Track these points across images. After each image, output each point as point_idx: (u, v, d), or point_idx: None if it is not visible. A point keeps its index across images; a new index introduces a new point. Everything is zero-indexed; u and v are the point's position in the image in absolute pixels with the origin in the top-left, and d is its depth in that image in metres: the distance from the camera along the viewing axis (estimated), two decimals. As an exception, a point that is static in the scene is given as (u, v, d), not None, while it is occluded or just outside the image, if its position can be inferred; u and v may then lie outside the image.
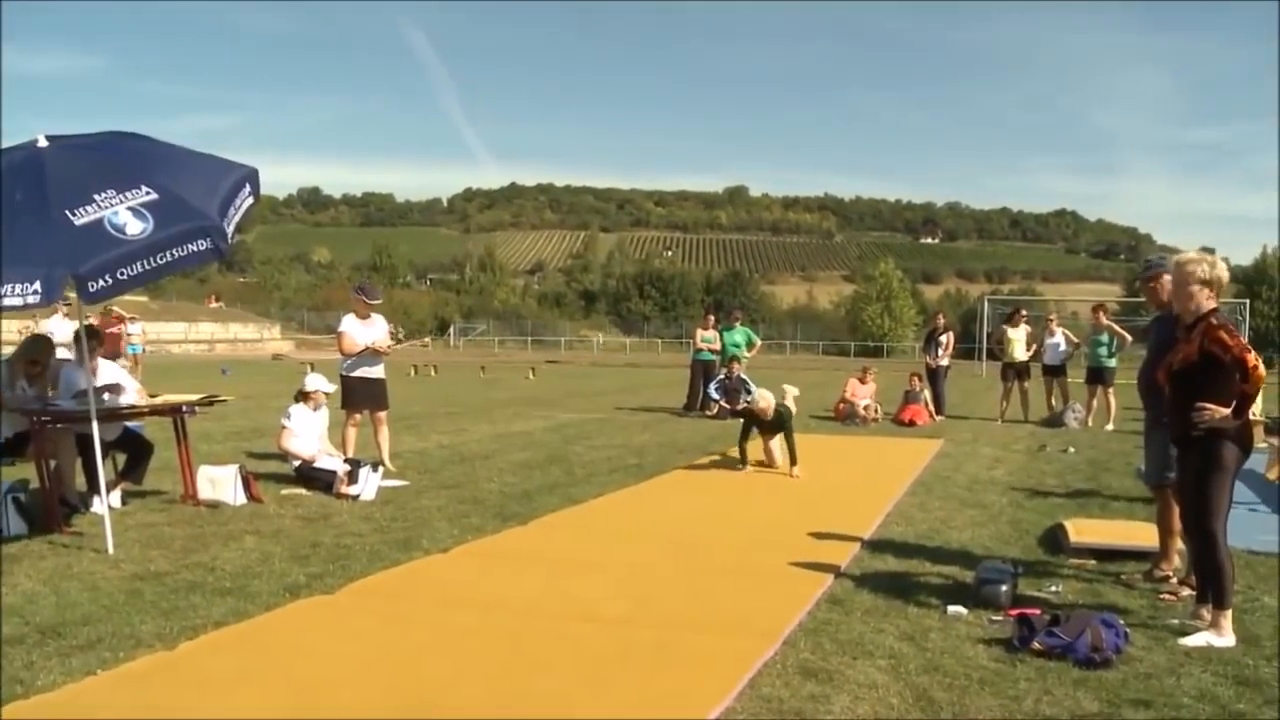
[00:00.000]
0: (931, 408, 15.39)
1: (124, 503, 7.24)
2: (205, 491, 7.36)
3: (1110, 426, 13.95)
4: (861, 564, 5.78)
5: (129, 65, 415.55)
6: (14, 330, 19.24)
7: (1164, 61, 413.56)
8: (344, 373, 9.17)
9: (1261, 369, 4.37)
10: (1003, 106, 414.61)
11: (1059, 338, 15.49)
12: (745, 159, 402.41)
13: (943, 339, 16.36)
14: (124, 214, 5.57)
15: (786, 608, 4.73)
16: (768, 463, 9.64)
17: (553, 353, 59.30)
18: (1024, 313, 16.43)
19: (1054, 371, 15.39)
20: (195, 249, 5.75)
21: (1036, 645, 4.10)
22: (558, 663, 3.99)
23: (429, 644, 4.23)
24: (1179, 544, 5.31)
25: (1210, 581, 4.49)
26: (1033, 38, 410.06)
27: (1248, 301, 39.23)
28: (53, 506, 6.45)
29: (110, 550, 5.75)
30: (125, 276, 5.48)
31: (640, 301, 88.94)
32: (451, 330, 74.54)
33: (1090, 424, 14.32)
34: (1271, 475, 8.64)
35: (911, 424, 14.47)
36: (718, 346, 15.91)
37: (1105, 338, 14.35)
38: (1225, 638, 4.33)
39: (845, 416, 14.92)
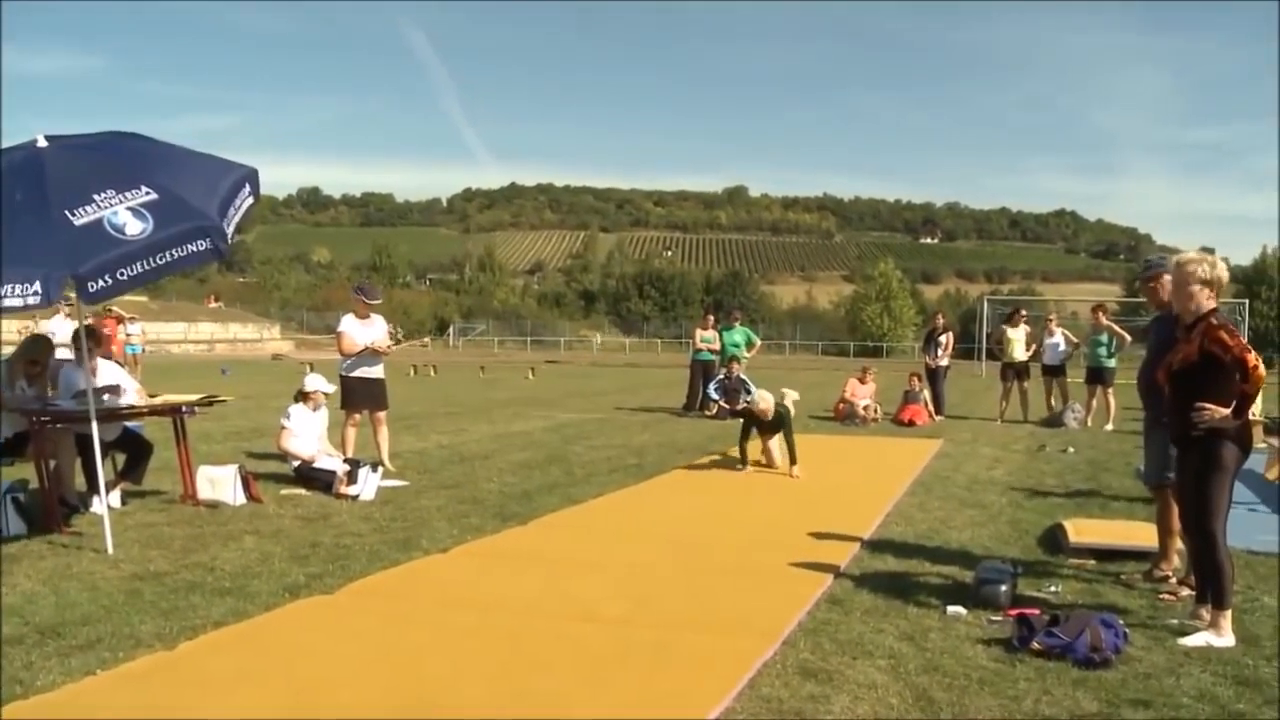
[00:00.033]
0: (931, 408, 15.39)
1: (123, 503, 7.24)
2: (205, 491, 7.36)
3: (1110, 426, 13.96)
4: (861, 564, 5.78)
5: (129, 65, 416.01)
6: (14, 330, 19.25)
7: (1164, 61, 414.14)
8: (343, 373, 9.17)
9: (1262, 369, 4.37)
10: (1003, 106, 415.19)
11: (1058, 338, 15.50)
12: (745, 159, 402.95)
13: (942, 339, 16.36)
14: (124, 214, 5.57)
15: (786, 608, 4.73)
16: (767, 463, 9.64)
17: (552, 353, 59.31)
18: (1023, 313, 16.44)
19: (1053, 371, 15.40)
20: (195, 249, 5.74)
21: (1036, 645, 4.10)
22: (557, 663, 3.99)
23: (428, 644, 4.23)
24: (1178, 544, 5.31)
25: (1210, 581, 4.49)
26: (1033, 38, 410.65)
27: (1247, 301, 39.17)
28: (52, 506, 6.45)
29: (110, 550, 5.76)
30: (125, 277, 5.48)
31: (640, 301, 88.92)
32: (451, 330, 74.50)
33: (1090, 424, 14.33)
34: (1271, 475, 8.65)
35: (911, 424, 14.47)
36: (717, 346, 15.91)
37: (1105, 338, 14.36)
38: (1225, 638, 4.33)
39: (845, 416, 14.92)
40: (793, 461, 9.25)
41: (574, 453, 10.88)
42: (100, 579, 5.21)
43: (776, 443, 9.66)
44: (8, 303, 5.16)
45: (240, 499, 7.36)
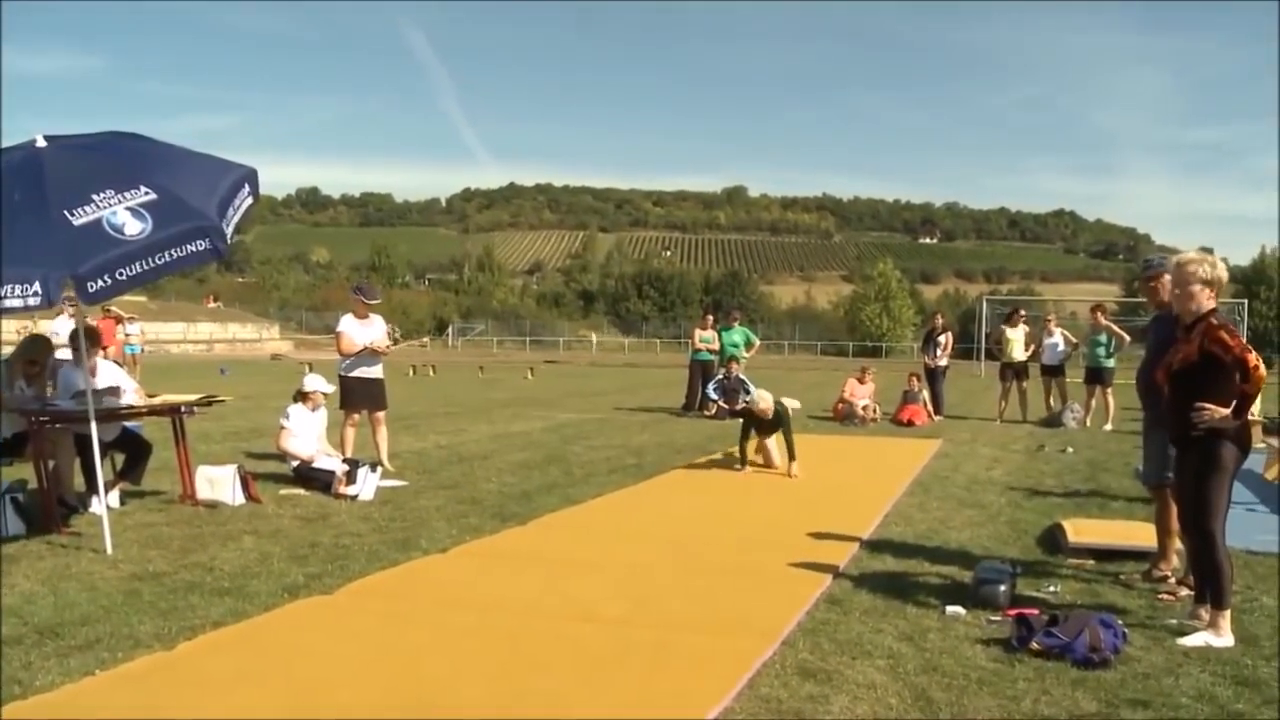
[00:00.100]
0: (930, 408, 15.39)
1: (122, 503, 7.24)
2: (204, 491, 7.36)
3: (1109, 426, 13.96)
4: (860, 564, 5.78)
5: (129, 65, 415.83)
6: (13, 330, 19.23)
7: (1164, 61, 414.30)
8: (342, 373, 9.17)
9: (1262, 369, 4.38)
10: (1002, 106, 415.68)
11: (1057, 338, 15.51)
12: (744, 159, 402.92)
13: (941, 339, 16.36)
14: (123, 214, 5.57)
15: (785, 608, 4.73)
16: (765, 463, 9.64)
17: (551, 353, 59.31)
18: (1023, 313, 16.44)
19: (1052, 371, 15.41)
20: (194, 249, 5.74)
21: (1035, 645, 4.11)
22: (556, 663, 3.99)
23: (427, 644, 4.23)
24: (1177, 544, 5.31)
25: (1209, 581, 4.49)
26: (1033, 38, 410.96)
27: (1246, 301, 39.19)
28: (51, 507, 6.45)
29: (109, 550, 5.75)
30: (124, 277, 5.47)
31: (639, 302, 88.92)
32: (450, 330, 74.49)
33: (1089, 424, 14.33)
34: (1270, 475, 8.66)
35: (910, 424, 14.48)
36: (716, 347, 15.92)
37: (1104, 338, 14.37)
38: (1224, 638, 4.33)
39: (844, 417, 14.92)
40: (791, 458, 9.25)
41: (573, 453, 10.88)
42: (99, 579, 5.21)
43: (775, 442, 9.66)
44: (8, 303, 5.17)
45: (239, 499, 7.36)
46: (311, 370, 10.95)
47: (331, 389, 8.77)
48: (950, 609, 4.75)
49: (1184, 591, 5.04)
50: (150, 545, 6.04)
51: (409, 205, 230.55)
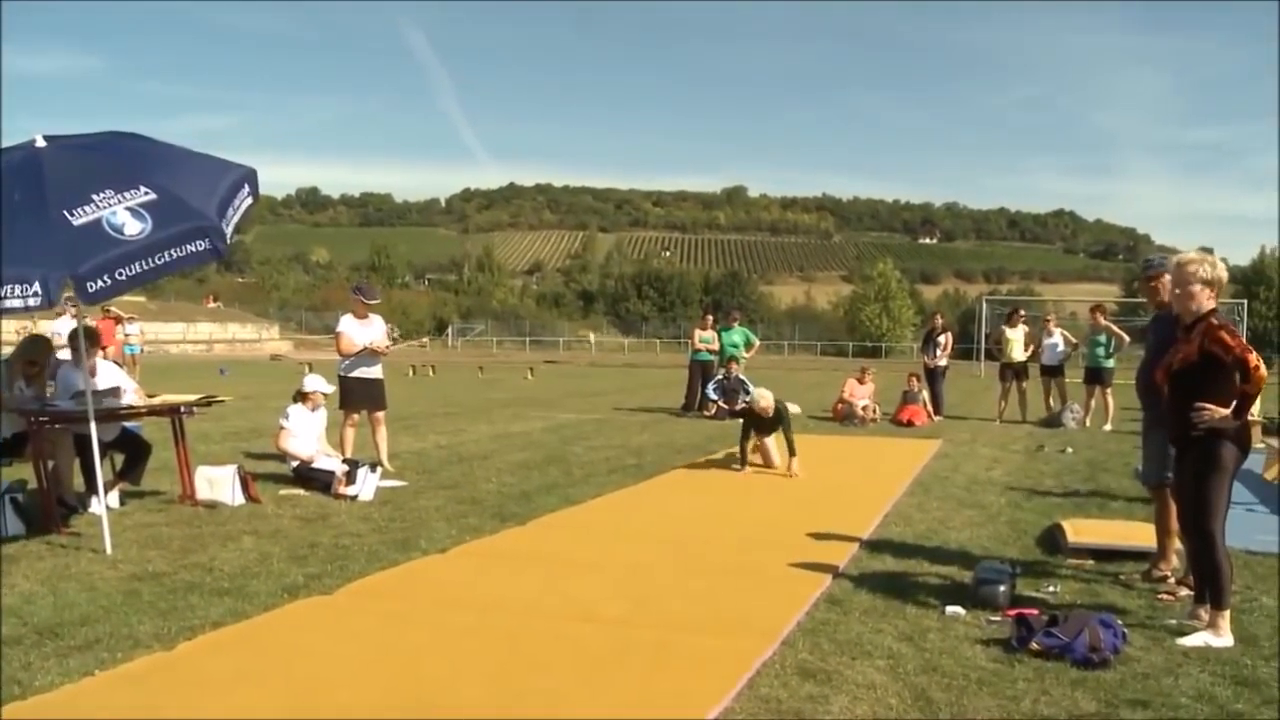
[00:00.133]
0: (930, 408, 15.39)
1: (122, 503, 7.23)
2: (203, 492, 7.36)
3: (1108, 427, 13.96)
4: (860, 564, 5.78)
5: (129, 65, 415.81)
6: (13, 331, 19.23)
7: (1164, 61, 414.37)
8: (342, 373, 9.17)
9: (1263, 369, 4.38)
10: (1002, 106, 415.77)
11: (1057, 338, 15.52)
12: (744, 159, 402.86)
13: (941, 339, 16.36)
14: (122, 214, 5.57)
15: (785, 608, 4.73)
16: (764, 463, 9.64)
17: (551, 353, 59.31)
18: (1022, 313, 16.44)
19: (1052, 372, 15.41)
20: (194, 249, 5.74)
21: (1034, 645, 4.11)
22: (556, 663, 3.99)
23: (427, 644, 4.23)
24: (1177, 544, 5.31)
25: (1208, 582, 4.49)
26: (1033, 38, 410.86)
27: (1245, 302, 39.20)
28: (50, 507, 6.45)
29: (108, 551, 5.75)
30: (124, 277, 5.47)
31: (638, 302, 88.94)
32: (450, 330, 74.51)
33: (1088, 424, 14.33)
34: (1270, 475, 8.66)
35: (910, 424, 14.48)
36: (716, 347, 15.92)
37: (1103, 338, 14.37)
38: (1223, 638, 4.33)
39: (843, 417, 14.92)
40: (791, 454, 9.27)
41: (573, 453, 10.88)
42: (99, 579, 5.21)
43: (774, 442, 9.66)
44: (9, 304, 5.17)
45: (239, 499, 7.36)
46: (311, 370, 10.95)
47: (331, 389, 8.76)
48: (950, 609, 4.75)
49: (1183, 592, 5.04)
50: (150, 545, 6.04)
51: (409, 205, 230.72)
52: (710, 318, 16.79)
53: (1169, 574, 5.38)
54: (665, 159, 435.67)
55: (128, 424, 7.59)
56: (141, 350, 25.43)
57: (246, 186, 6.26)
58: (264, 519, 6.91)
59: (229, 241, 6.01)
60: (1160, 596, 5.11)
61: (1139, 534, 6.13)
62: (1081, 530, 6.33)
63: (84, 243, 5.41)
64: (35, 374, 7.01)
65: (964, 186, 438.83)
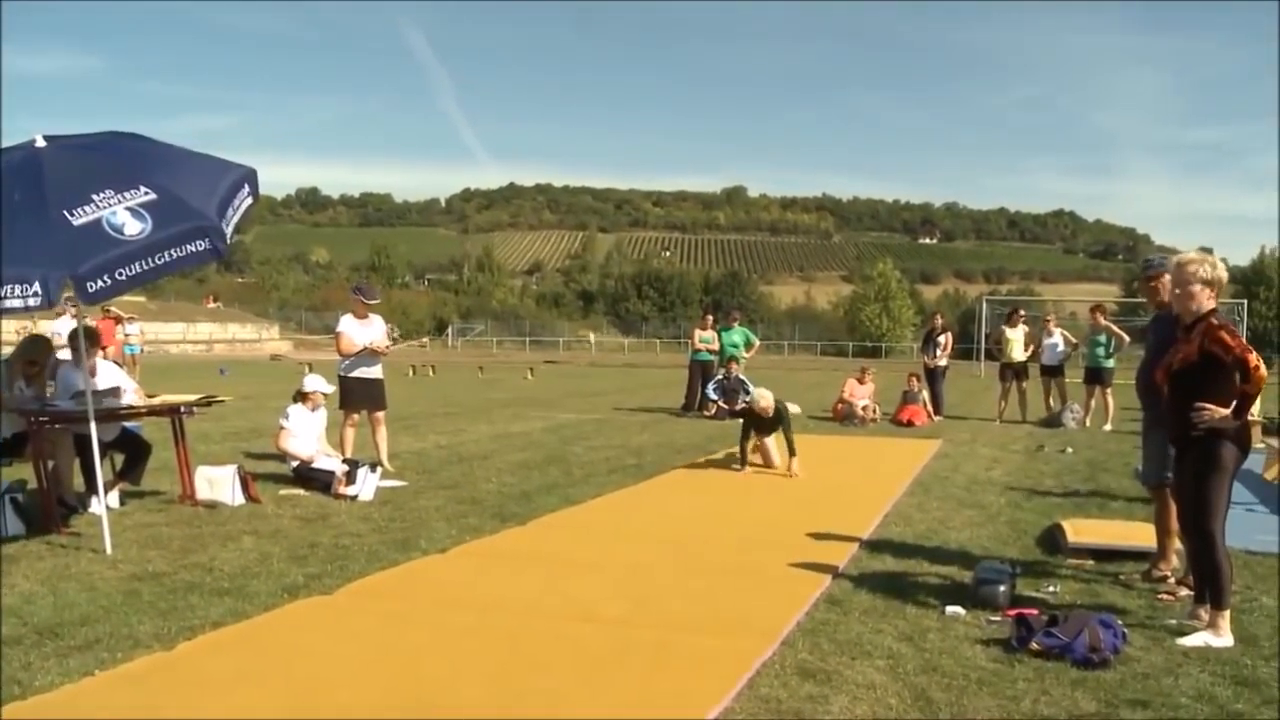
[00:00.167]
0: (930, 408, 15.40)
1: (122, 503, 7.23)
2: (203, 492, 7.36)
3: (1108, 427, 13.96)
4: (860, 564, 5.78)
5: (129, 65, 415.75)
6: (13, 331, 19.23)
7: (1164, 61, 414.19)
8: (342, 373, 9.17)
9: (1263, 369, 4.37)
10: (1002, 106, 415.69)
11: (1057, 338, 15.52)
12: (744, 159, 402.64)
13: (941, 339, 16.36)
14: (122, 214, 5.57)
15: (785, 608, 4.73)
16: (764, 463, 9.64)
17: (551, 353, 59.32)
18: (1022, 313, 16.44)
19: (1052, 372, 15.41)
20: (194, 249, 5.74)
21: (1034, 645, 4.11)
22: (556, 663, 3.99)
23: (427, 644, 4.23)
24: (1177, 544, 5.31)
25: (1208, 582, 4.49)
26: (1033, 38, 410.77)
27: (1245, 302, 39.20)
28: (50, 507, 6.45)
29: (108, 551, 5.75)
30: (124, 277, 5.47)
31: (638, 302, 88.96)
32: (449, 330, 74.53)
33: (1088, 424, 14.33)
34: (1270, 475, 8.66)
35: (910, 424, 14.48)
36: (716, 347, 15.92)
37: (1103, 338, 14.37)
38: (1223, 638, 4.33)
39: (843, 417, 14.92)
40: (791, 454, 9.27)
41: (573, 453, 10.88)
42: (99, 579, 5.21)
43: (774, 442, 9.67)
44: (9, 304, 5.17)
45: (239, 499, 7.36)
46: (311, 370, 10.95)
47: (331, 389, 8.77)
48: (950, 609, 4.75)
49: (1183, 592, 5.03)
50: (150, 545, 6.04)
51: (408, 205, 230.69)
52: (710, 318, 16.79)
53: (1169, 574, 5.38)
54: (665, 159, 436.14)
55: (128, 424, 7.59)
56: (141, 350, 25.43)
57: (246, 186, 6.26)
58: (264, 519, 6.91)
59: (229, 241, 6.01)
60: (1160, 596, 5.11)
61: (1139, 534, 6.13)
62: (1081, 530, 6.33)
63: (84, 243, 5.41)
64: (35, 374, 7.02)
65: (964, 186, 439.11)
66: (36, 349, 7.26)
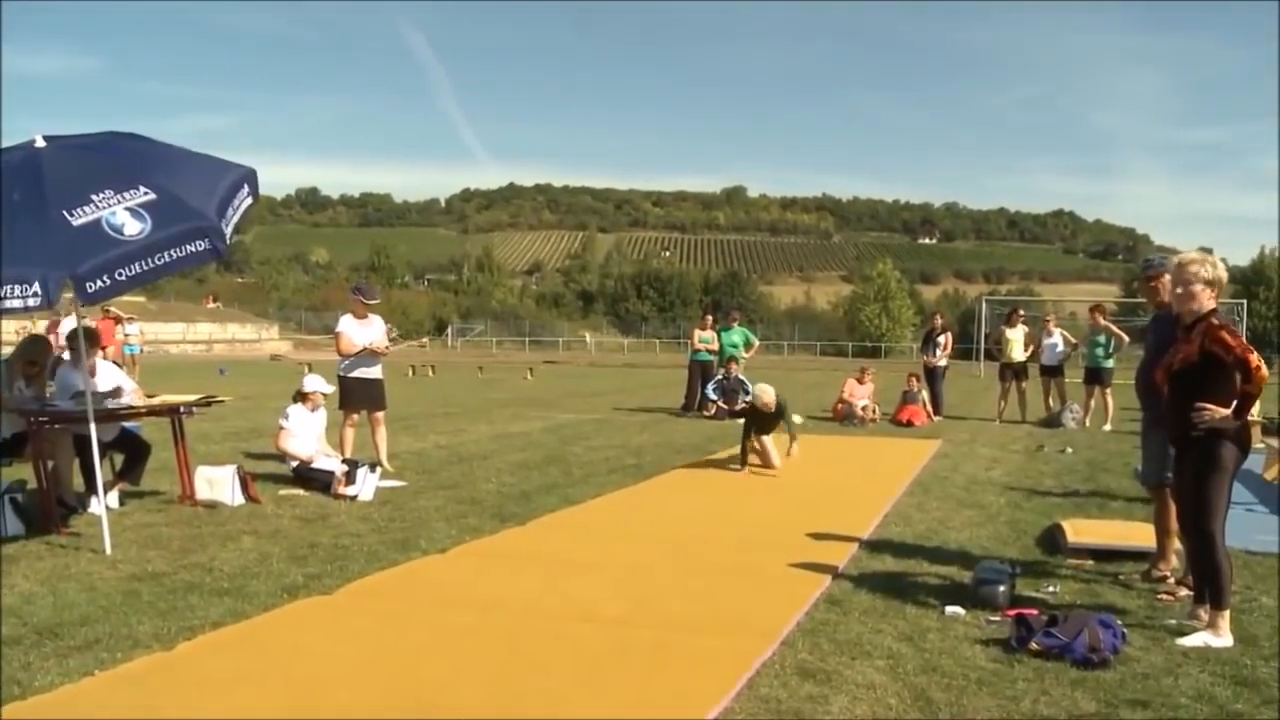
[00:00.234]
0: (929, 408, 15.40)
1: (121, 503, 7.23)
2: (203, 492, 7.36)
3: (1108, 427, 13.97)
4: (859, 564, 5.78)
5: (129, 65, 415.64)
6: (12, 331, 19.23)
7: (1164, 61, 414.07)
8: (342, 373, 9.17)
9: (1264, 369, 4.37)
10: (1002, 106, 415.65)
11: (1057, 338, 15.52)
12: (743, 159, 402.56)
13: (940, 339, 16.36)
14: (122, 214, 5.57)
15: (785, 608, 4.73)
16: (764, 464, 9.64)
17: (551, 353, 59.32)
18: (1022, 313, 16.45)
19: (1052, 372, 15.41)
20: (193, 249, 5.75)
21: (1034, 645, 4.11)
22: (556, 663, 3.99)
23: (427, 644, 4.23)
24: (1176, 544, 5.31)
25: (1208, 582, 4.49)
26: (1033, 38, 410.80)
27: (1245, 302, 39.21)
28: (50, 507, 6.44)
29: (108, 551, 5.75)
30: (123, 277, 5.48)
31: (638, 302, 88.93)
32: (449, 330, 74.52)
33: (1088, 424, 14.33)
34: (1269, 475, 8.66)
35: (909, 424, 14.48)
36: (715, 347, 15.92)
37: (1103, 338, 14.37)
38: (1223, 638, 4.33)
39: (843, 417, 14.92)
40: (792, 439, 9.36)
41: (572, 453, 10.88)
42: (98, 579, 5.21)
43: (774, 443, 9.67)
44: (8, 304, 5.17)
45: (238, 499, 7.36)
46: (311, 370, 10.95)
47: (331, 389, 8.77)
48: (950, 609, 4.75)
49: (1183, 592, 5.03)
50: (149, 546, 6.04)
51: (408, 205, 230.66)
52: (710, 318, 16.80)
53: (1168, 574, 5.38)
54: (665, 159, 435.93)
55: (127, 424, 7.59)
56: (141, 350, 25.44)
57: (246, 186, 6.26)
58: (264, 519, 6.90)
59: (228, 241, 6.02)
60: (1160, 596, 5.11)
61: (1139, 534, 6.14)
62: (1081, 530, 6.33)
63: (83, 243, 5.41)
64: (35, 374, 7.02)
65: (964, 186, 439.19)
66: (37, 349, 7.27)
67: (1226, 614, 4.40)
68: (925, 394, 15.51)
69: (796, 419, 10.46)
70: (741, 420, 10.03)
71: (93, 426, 6.13)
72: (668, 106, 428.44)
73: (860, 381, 15.52)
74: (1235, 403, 4.34)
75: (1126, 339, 14.63)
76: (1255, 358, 4.32)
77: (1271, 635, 4.47)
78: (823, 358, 59.63)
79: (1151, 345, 5.38)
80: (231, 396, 13.38)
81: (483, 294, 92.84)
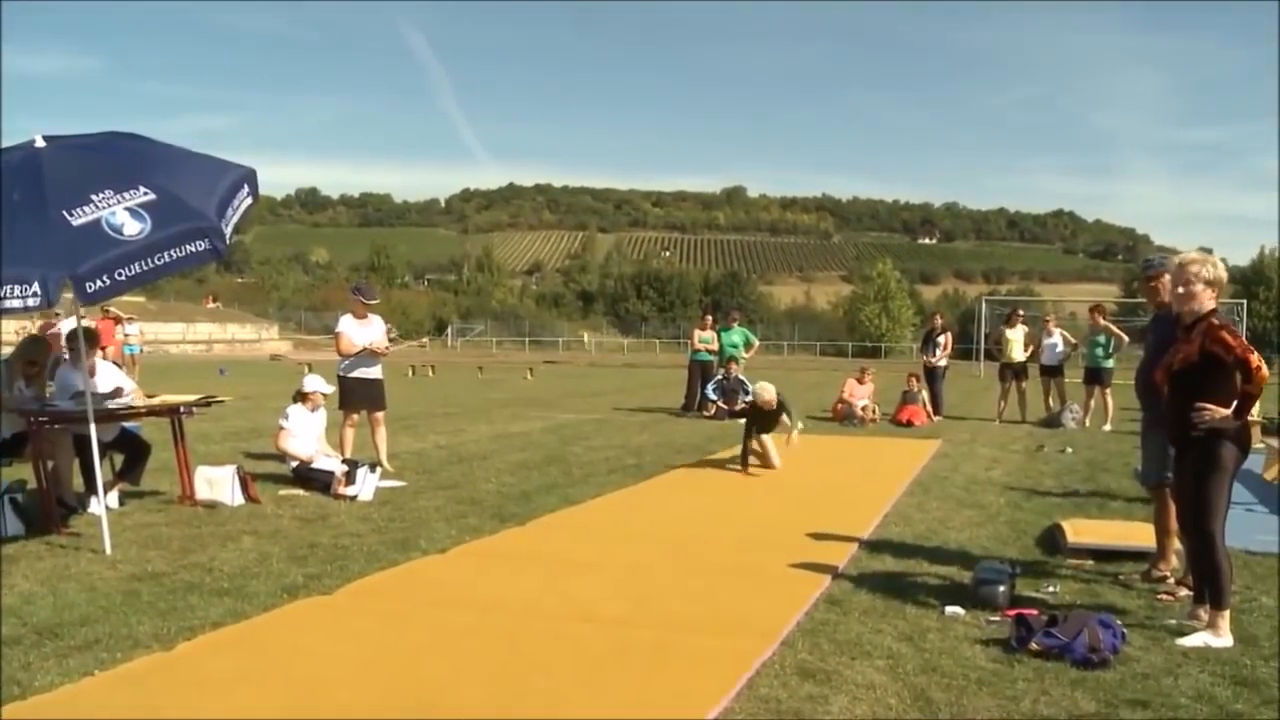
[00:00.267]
0: (929, 408, 15.40)
1: (121, 503, 7.23)
2: (203, 492, 7.36)
3: (1108, 427, 13.97)
4: (859, 564, 5.78)
5: (129, 65, 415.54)
6: (12, 331, 19.23)
7: (1164, 61, 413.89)
8: (342, 373, 9.17)
9: (1265, 369, 4.37)
10: (1002, 107, 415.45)
11: (1057, 338, 15.53)
12: (743, 159, 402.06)
13: (940, 339, 16.37)
14: (121, 214, 5.57)
15: (785, 608, 4.73)
16: (764, 464, 9.64)
17: (551, 353, 59.32)
18: (1022, 313, 16.45)
19: (1052, 372, 15.42)
20: (193, 249, 5.75)
21: (1034, 645, 4.11)
22: (556, 663, 3.99)
23: (427, 644, 4.23)
24: (1176, 544, 5.32)
25: (1208, 582, 4.49)
26: (1033, 38, 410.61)
27: (1245, 302, 39.22)
28: (50, 507, 6.44)
29: (108, 551, 5.75)
30: (123, 277, 5.48)
31: (638, 302, 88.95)
32: (449, 331, 74.53)
33: (1088, 424, 14.34)
34: (1269, 475, 8.66)
35: (909, 424, 14.48)
36: (715, 347, 15.93)
37: (1103, 338, 14.38)
38: (1223, 638, 4.33)
39: (843, 417, 14.92)
40: (791, 428, 9.54)
41: (572, 453, 10.88)
42: (98, 580, 5.21)
43: (773, 443, 9.68)
44: (8, 304, 5.18)
45: (238, 499, 7.36)
46: (311, 371, 10.95)
47: (331, 389, 8.77)
48: (949, 609, 4.76)
49: (1183, 592, 5.04)
50: (149, 546, 6.04)
51: (408, 206, 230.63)
52: (710, 318, 16.81)
53: (1168, 574, 5.39)
54: (665, 159, 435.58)
55: (127, 424, 7.59)
56: (141, 350, 25.43)
57: (246, 187, 6.26)
58: (263, 519, 6.90)
59: (228, 242, 6.02)
60: (1160, 597, 5.11)
61: (1138, 534, 6.14)
62: (1081, 530, 6.34)
63: (83, 243, 5.41)
64: (35, 374, 7.02)
65: (964, 186, 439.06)
66: (36, 349, 7.27)
67: (1226, 614, 4.40)
68: (925, 394, 15.51)
69: (799, 425, 10.47)
70: (742, 420, 10.04)
71: (92, 426, 6.13)
72: (668, 106, 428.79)
73: (860, 381, 15.52)
74: (1235, 403, 4.34)
75: (1126, 339, 14.64)
76: (1256, 358, 4.32)
77: (1271, 635, 4.47)
78: (823, 358, 59.64)
79: (1151, 345, 5.38)
80: (231, 396, 13.38)
81: (483, 294, 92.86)
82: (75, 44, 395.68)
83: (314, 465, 8.11)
